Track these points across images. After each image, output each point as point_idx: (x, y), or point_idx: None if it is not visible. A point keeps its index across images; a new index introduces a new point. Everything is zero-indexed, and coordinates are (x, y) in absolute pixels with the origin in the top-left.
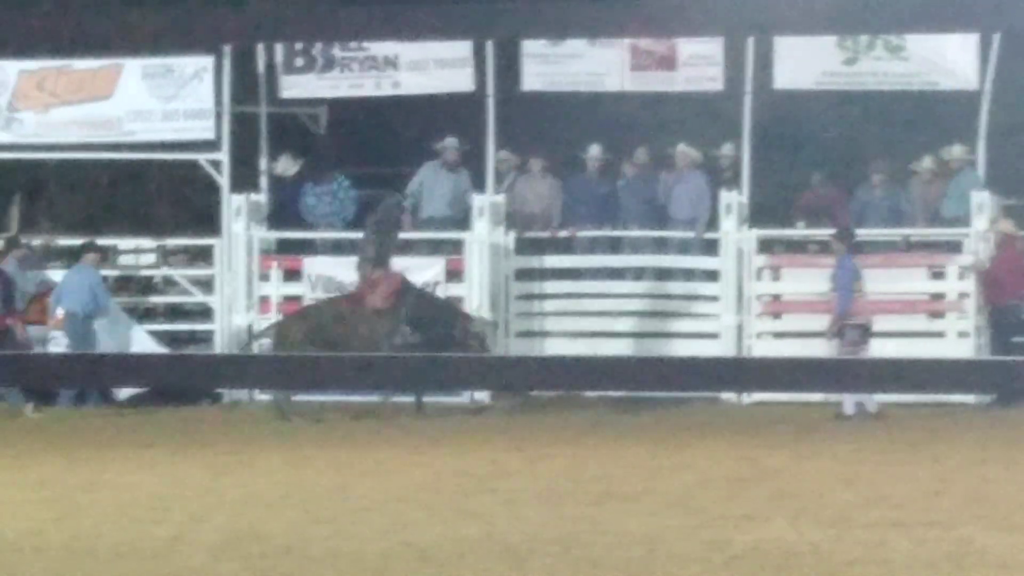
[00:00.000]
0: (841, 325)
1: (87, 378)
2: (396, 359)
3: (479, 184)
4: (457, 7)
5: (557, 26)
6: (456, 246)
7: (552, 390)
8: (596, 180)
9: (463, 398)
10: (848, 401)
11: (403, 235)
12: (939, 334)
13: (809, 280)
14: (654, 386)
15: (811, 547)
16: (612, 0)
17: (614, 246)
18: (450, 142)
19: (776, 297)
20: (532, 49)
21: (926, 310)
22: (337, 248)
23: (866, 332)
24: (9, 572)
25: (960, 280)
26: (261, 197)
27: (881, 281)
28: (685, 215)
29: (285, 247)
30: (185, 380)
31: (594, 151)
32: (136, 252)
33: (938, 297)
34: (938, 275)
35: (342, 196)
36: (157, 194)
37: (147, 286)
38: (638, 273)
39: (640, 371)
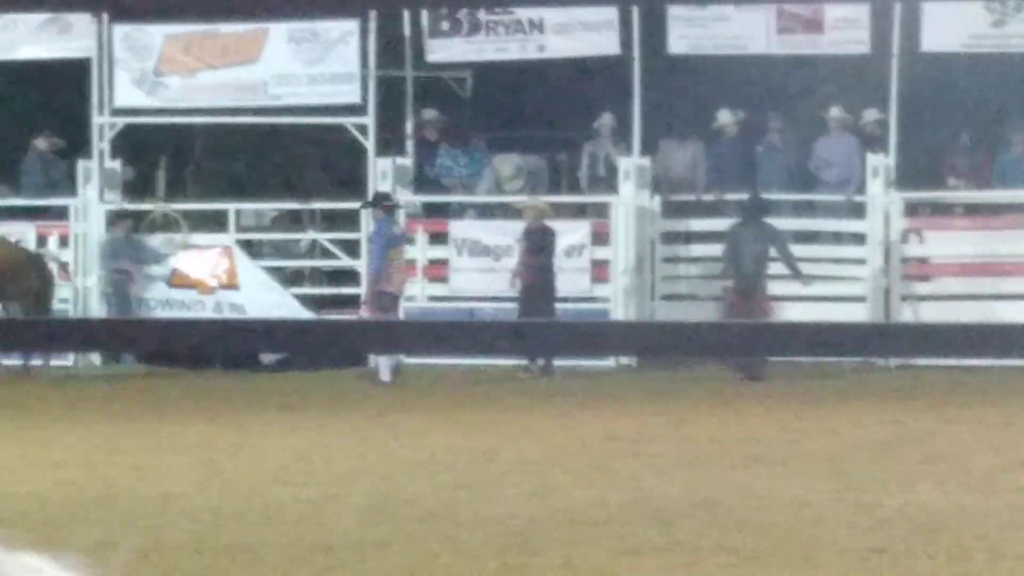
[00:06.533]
0: (374, 292)
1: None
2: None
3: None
4: None
5: None
6: (602, 209)
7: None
8: (740, 144)
9: (609, 361)
10: (384, 367)
11: (552, 198)
12: None
13: (955, 243)
14: (799, 351)
15: (958, 510)
16: None
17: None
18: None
19: (923, 260)
20: (678, 12)
21: None
22: (485, 212)
23: (395, 300)
24: (155, 536)
25: None
26: (407, 161)
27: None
28: (835, 178)
29: (430, 210)
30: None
31: (724, 117)
32: (283, 217)
33: None
34: None
35: (478, 158)
36: (303, 158)
37: (294, 251)
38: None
39: (785, 336)
